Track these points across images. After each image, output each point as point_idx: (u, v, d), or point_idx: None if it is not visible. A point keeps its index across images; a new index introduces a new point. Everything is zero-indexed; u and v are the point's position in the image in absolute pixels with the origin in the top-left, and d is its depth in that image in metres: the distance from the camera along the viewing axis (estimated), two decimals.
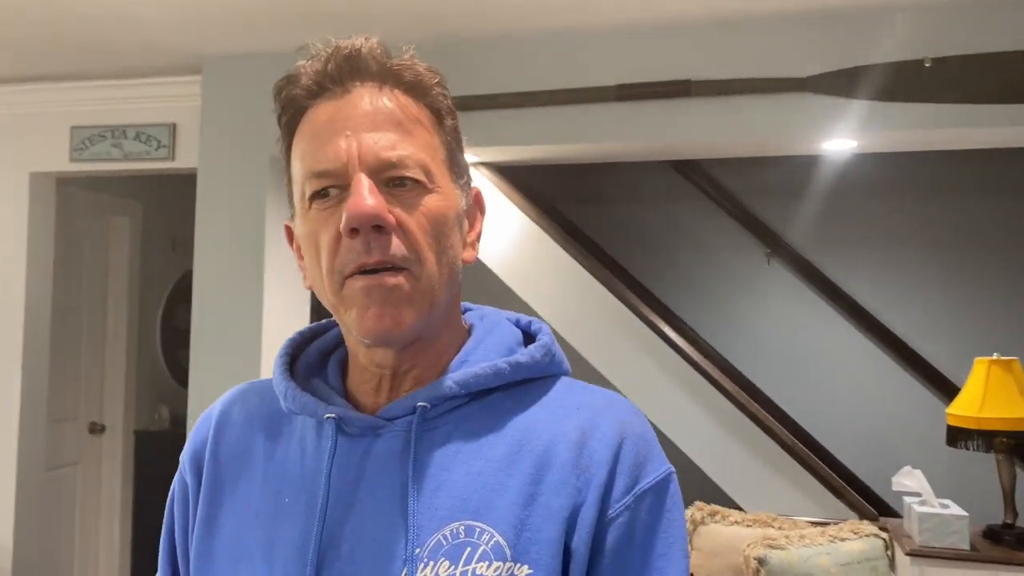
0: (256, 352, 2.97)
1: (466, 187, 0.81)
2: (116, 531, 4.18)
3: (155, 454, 4.18)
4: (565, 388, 0.81)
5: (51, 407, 3.67)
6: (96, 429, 4.17)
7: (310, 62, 0.76)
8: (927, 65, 2.47)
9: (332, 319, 0.87)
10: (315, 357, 0.86)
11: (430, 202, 0.74)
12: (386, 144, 0.73)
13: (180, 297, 4.40)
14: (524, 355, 0.79)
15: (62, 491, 3.97)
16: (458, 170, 0.79)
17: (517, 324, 0.87)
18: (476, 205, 0.83)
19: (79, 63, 3.20)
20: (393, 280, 0.72)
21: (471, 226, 0.82)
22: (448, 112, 0.79)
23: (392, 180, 0.73)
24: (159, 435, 4.26)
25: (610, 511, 0.73)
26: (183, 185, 3.39)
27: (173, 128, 3.35)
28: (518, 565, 0.70)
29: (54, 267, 3.65)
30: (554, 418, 0.77)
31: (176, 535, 0.85)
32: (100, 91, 3.39)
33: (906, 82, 2.50)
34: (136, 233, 4.33)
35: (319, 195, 0.74)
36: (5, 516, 3.42)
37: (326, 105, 0.75)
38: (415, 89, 0.77)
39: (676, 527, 0.75)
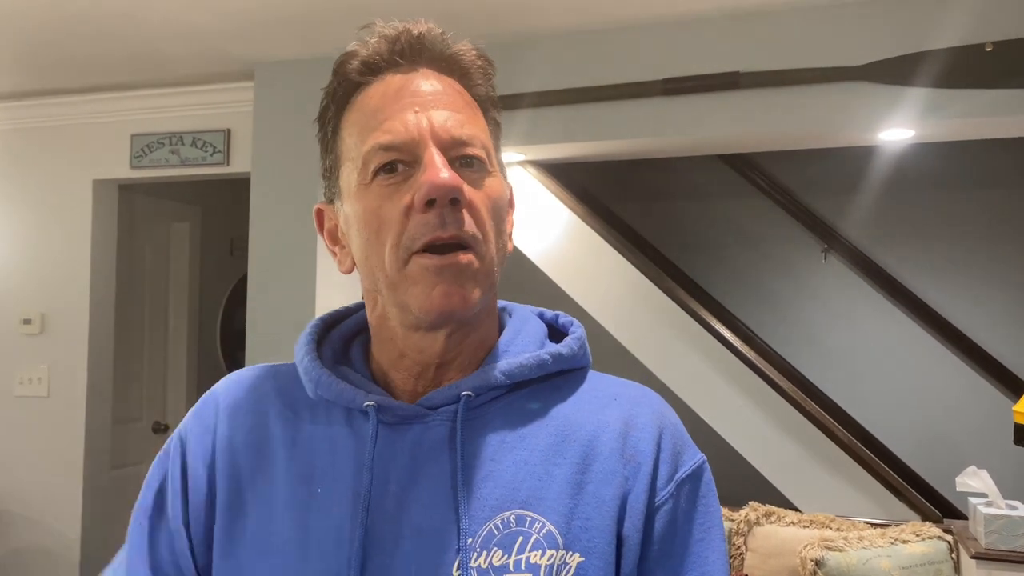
0: None
1: (506, 180, 0.82)
2: None
3: None
4: (597, 379, 0.82)
5: (115, 408, 3.78)
6: (159, 429, 4.28)
7: (375, 40, 0.76)
8: (988, 50, 2.38)
9: (351, 306, 0.87)
10: (339, 344, 0.84)
11: (492, 184, 0.75)
12: (456, 122, 0.73)
13: (238, 300, 4.48)
14: (564, 347, 0.80)
15: (127, 489, 4.07)
16: (501, 163, 0.80)
17: (541, 317, 0.87)
18: (511, 200, 0.84)
19: (138, 73, 3.29)
20: (465, 258, 0.71)
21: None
22: (493, 105, 0.80)
23: (461, 158, 0.73)
24: None
25: (656, 499, 0.74)
26: (240, 190, 3.46)
27: (228, 133, 3.42)
28: (570, 553, 0.70)
29: (117, 272, 3.75)
30: (593, 408, 0.77)
31: (169, 518, 0.78)
32: (158, 99, 3.48)
33: (966, 68, 2.41)
34: (195, 238, 4.43)
35: (385, 169, 0.72)
36: (73, 513, 3.54)
37: (391, 79, 0.75)
38: (470, 78, 0.78)
39: (712, 512, 0.77)
